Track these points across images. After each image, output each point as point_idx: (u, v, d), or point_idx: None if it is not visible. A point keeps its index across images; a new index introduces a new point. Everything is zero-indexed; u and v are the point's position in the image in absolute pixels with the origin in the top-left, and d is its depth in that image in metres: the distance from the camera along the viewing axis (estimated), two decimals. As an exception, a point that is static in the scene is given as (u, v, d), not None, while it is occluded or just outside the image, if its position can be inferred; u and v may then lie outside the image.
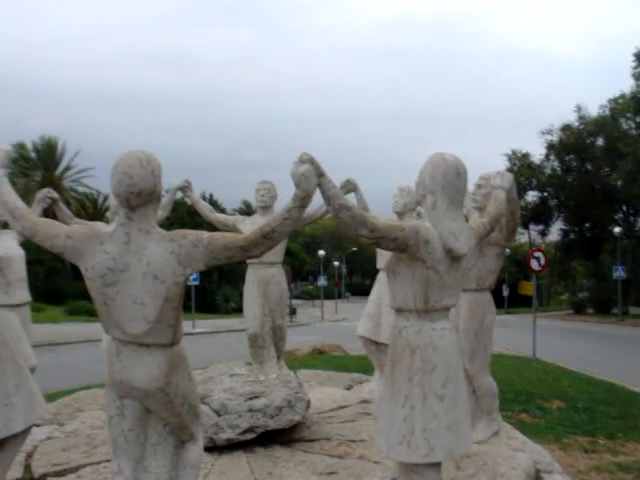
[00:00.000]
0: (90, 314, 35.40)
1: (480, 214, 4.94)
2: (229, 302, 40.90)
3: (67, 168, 45.36)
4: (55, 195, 5.83)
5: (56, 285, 35.61)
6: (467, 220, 3.55)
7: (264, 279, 6.15)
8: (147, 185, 2.73)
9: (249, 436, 5.13)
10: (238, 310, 40.13)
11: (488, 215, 3.69)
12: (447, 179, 3.21)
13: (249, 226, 6.05)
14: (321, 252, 46.97)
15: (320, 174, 2.78)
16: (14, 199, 3.06)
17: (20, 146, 42.84)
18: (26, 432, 3.76)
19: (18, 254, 5.71)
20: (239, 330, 29.22)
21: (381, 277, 6.36)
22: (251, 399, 5.30)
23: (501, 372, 10.40)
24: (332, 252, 60.78)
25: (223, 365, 6.14)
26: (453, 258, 3.18)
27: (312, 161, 2.76)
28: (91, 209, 44.16)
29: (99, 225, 6.27)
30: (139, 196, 2.73)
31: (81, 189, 46.10)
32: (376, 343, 6.38)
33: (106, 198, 48.14)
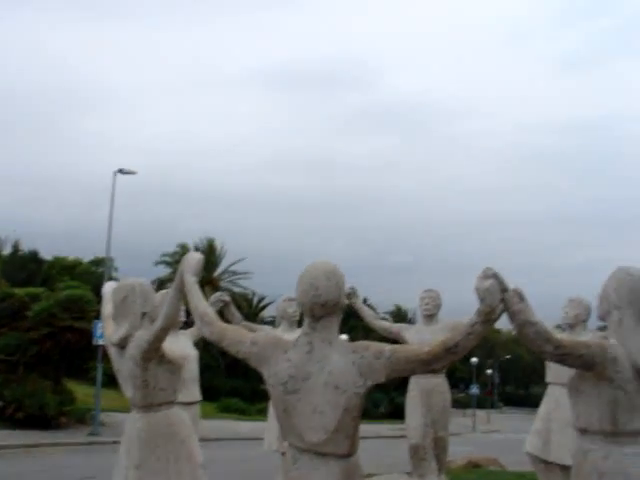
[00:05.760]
0: (241, 412, 36.02)
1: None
2: (379, 407, 40.29)
3: (226, 272, 47.69)
4: (227, 298, 6.13)
5: (210, 382, 36.66)
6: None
7: (427, 389, 6.05)
8: (332, 296, 2.81)
9: None
10: (388, 416, 39.43)
11: None
12: (634, 294, 3.08)
13: (414, 334, 6.03)
14: (473, 359, 45.66)
15: (504, 289, 2.76)
16: (204, 305, 3.24)
17: (183, 246, 45.67)
18: None
19: (193, 354, 5.99)
20: (388, 437, 28.65)
21: (550, 392, 6.07)
22: (414, 514, 5.12)
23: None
24: (484, 359, 58.90)
25: (385, 477, 6.01)
26: None
27: (496, 276, 2.74)
28: (246, 309, 45.68)
29: (267, 330, 6.47)
30: (324, 307, 2.80)
31: (237, 289, 48.00)
32: (545, 462, 6.04)
33: (261, 299, 49.85)
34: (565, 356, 2.89)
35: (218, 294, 6.18)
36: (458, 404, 58.93)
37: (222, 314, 6.28)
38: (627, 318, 3.05)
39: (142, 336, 3.66)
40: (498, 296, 2.72)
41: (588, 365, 2.92)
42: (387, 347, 2.77)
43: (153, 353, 3.67)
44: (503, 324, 2.89)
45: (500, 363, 63.96)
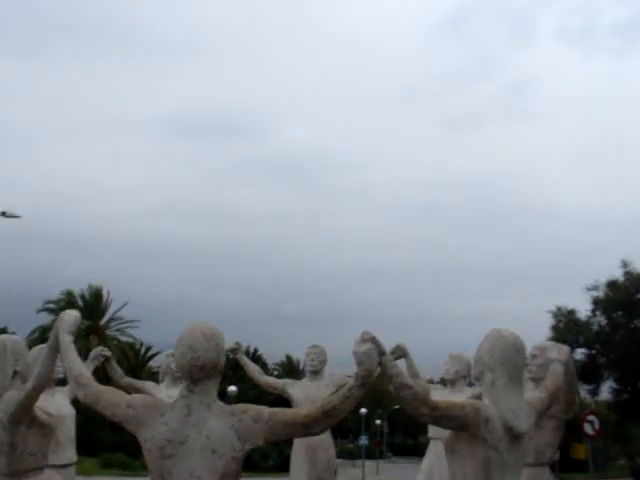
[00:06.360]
0: (124, 467, 34.49)
1: (534, 385, 4.85)
2: (267, 459, 39.63)
3: (113, 319, 46.21)
4: (108, 353, 5.95)
5: (91, 435, 34.91)
6: None
7: (312, 445, 6.02)
8: (210, 359, 2.77)
9: None
10: (277, 468, 38.74)
11: (546, 389, 3.63)
12: (505, 356, 3.19)
13: (298, 390, 6.02)
14: (362, 410, 45.89)
15: (381, 353, 2.81)
16: (79, 367, 3.12)
17: (68, 293, 44.01)
18: None
19: (69, 413, 5.70)
20: (277, 490, 28.20)
21: (432, 447, 6.18)
22: None
23: None
24: (373, 410, 59.31)
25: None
26: (514, 436, 3.10)
27: (374, 340, 2.80)
28: (133, 358, 44.37)
29: (149, 385, 6.27)
30: (202, 369, 2.76)
31: (124, 338, 46.57)
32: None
33: (148, 349, 48.52)
34: (441, 418, 2.97)
35: (99, 349, 5.98)
36: (347, 455, 59.03)
37: (104, 369, 6.09)
38: (499, 379, 3.16)
39: (12, 397, 3.47)
40: (376, 360, 2.78)
41: (463, 426, 3.00)
42: (266, 410, 2.75)
43: (23, 415, 3.48)
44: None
45: (389, 413, 64.46)
